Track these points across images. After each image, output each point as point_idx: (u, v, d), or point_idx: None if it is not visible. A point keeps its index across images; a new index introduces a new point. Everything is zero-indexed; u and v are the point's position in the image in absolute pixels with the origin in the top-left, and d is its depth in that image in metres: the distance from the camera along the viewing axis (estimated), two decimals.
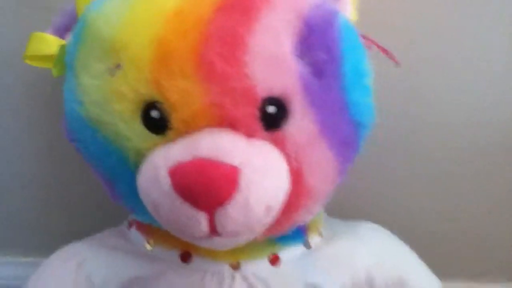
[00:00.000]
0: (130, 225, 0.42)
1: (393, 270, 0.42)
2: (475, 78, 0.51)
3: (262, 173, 0.30)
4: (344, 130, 0.34)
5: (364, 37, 0.37)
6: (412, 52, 0.50)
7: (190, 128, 0.31)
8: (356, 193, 0.54)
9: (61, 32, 0.38)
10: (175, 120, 0.31)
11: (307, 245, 0.40)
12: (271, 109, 0.32)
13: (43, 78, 0.43)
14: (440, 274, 0.45)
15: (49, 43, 0.37)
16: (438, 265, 0.44)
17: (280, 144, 0.32)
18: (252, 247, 0.37)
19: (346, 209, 0.48)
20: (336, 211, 0.45)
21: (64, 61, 0.36)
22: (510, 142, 0.53)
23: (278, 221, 0.33)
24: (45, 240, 0.49)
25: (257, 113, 0.31)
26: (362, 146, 0.37)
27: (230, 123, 0.31)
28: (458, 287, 0.57)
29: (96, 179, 0.37)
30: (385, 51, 0.38)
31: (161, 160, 0.30)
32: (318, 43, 0.33)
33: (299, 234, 0.40)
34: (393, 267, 0.42)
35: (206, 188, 0.29)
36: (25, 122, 0.54)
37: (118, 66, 0.32)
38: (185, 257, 0.38)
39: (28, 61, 0.38)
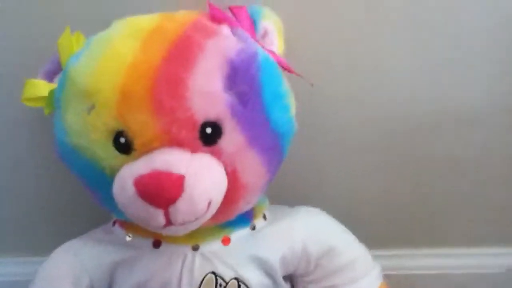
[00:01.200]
0: (114, 222, 0.50)
1: (324, 240, 0.49)
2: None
3: (202, 176, 0.38)
4: (267, 140, 0.42)
5: (284, 64, 0.45)
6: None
7: (148, 148, 0.39)
8: (294, 183, 0.61)
9: (50, 76, 0.47)
10: (137, 143, 0.39)
11: (252, 227, 0.48)
12: (208, 130, 0.39)
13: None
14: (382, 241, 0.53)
15: (40, 87, 0.45)
16: (368, 235, 0.52)
17: (217, 155, 0.40)
18: (206, 232, 0.46)
19: (289, 198, 0.55)
20: (279, 200, 0.53)
21: (52, 101, 0.44)
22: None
23: (222, 211, 0.41)
24: (49, 241, 0.54)
25: (197, 134, 0.39)
26: (287, 149, 0.46)
27: (177, 143, 0.39)
28: (392, 254, 0.64)
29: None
30: (298, 74, 0.46)
31: (127, 173, 0.38)
32: (241, 79, 0.40)
33: (246, 219, 0.48)
34: (325, 237, 0.49)
35: (161, 191, 0.36)
36: (27, 133, 0.59)
37: (92, 106, 0.40)
38: (156, 243, 0.46)
39: (25, 102, 0.46)
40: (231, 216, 0.46)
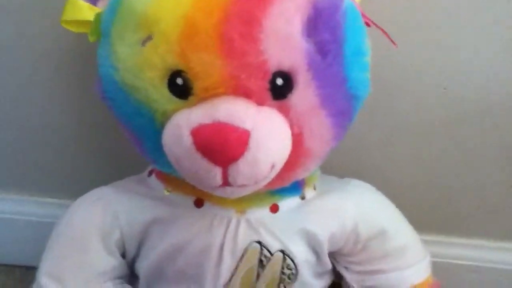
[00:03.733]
0: (150, 173, 0.46)
1: (376, 221, 0.46)
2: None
3: (268, 135, 0.34)
4: (341, 101, 0.38)
5: (365, 16, 0.40)
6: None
7: (210, 95, 0.35)
8: (349, 155, 0.58)
9: None
10: (197, 87, 0.35)
11: (303, 197, 0.45)
12: (279, 81, 0.35)
13: (79, 41, 0.45)
14: (419, 227, 0.49)
15: (83, 9, 0.40)
16: (417, 218, 0.49)
17: (285, 112, 0.36)
18: (256, 197, 0.42)
19: (338, 169, 0.52)
20: (330, 171, 0.50)
21: (99, 28, 0.39)
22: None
23: (280, 176, 0.38)
24: (77, 185, 0.52)
25: (267, 85, 0.35)
26: (356, 115, 0.41)
27: (244, 93, 0.35)
28: (432, 240, 0.61)
29: (124, 135, 0.41)
30: (383, 30, 0.41)
31: (184, 121, 0.34)
32: (324, 25, 0.36)
33: (297, 187, 0.45)
34: (376, 218, 0.46)
35: (222, 147, 0.33)
36: (62, 78, 0.57)
37: (149, 37, 0.35)
38: (198, 202, 0.43)
39: (64, 25, 0.40)
40: (287, 183, 0.41)
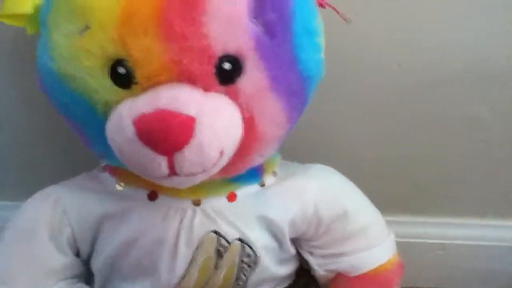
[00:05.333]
0: (103, 169, 0.45)
1: (338, 205, 0.45)
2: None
3: (215, 121, 0.33)
4: (292, 83, 0.37)
5: None
6: None
7: (153, 82, 0.33)
8: (308, 137, 0.57)
9: None
10: (139, 75, 0.33)
11: (262, 184, 0.44)
12: (226, 65, 0.34)
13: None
14: (383, 207, 0.48)
15: (23, 2, 0.38)
16: (381, 198, 0.48)
17: (234, 96, 0.35)
18: (211, 186, 0.41)
19: (299, 153, 0.51)
20: (290, 155, 0.49)
21: (37, 19, 0.37)
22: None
23: (233, 163, 0.37)
24: (23, 186, 0.51)
25: (213, 69, 0.34)
26: (311, 96, 0.40)
27: (188, 78, 0.33)
28: (397, 220, 0.60)
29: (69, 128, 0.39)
30: (334, 9, 0.40)
31: (126, 111, 0.33)
32: (271, 5, 0.35)
33: (255, 174, 0.44)
34: (337, 200, 0.46)
35: (166, 135, 0.32)
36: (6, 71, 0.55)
37: (86, 27, 0.34)
38: (152, 195, 0.42)
39: (3, 20, 0.38)
40: (241, 169, 0.40)
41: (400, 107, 0.58)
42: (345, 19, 0.42)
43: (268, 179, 0.45)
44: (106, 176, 0.44)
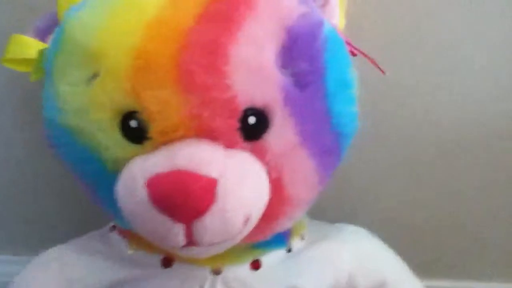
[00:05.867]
0: (112, 229, 0.41)
1: (375, 273, 0.42)
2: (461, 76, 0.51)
3: (240, 184, 0.30)
4: (326, 140, 0.34)
5: (349, 44, 0.36)
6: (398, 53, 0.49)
7: (169, 138, 0.30)
8: (339, 195, 0.53)
9: (42, 35, 0.37)
10: (153, 130, 0.30)
11: (289, 249, 0.40)
12: (251, 120, 0.31)
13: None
14: (424, 274, 0.44)
15: (29, 46, 0.36)
16: (421, 264, 0.44)
17: (260, 154, 0.31)
18: (233, 253, 0.36)
19: (328, 211, 0.47)
20: (319, 214, 0.44)
21: (42, 65, 0.35)
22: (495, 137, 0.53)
23: (259, 229, 0.33)
24: (34, 240, 0.49)
25: (237, 124, 0.30)
26: (345, 154, 0.36)
27: (209, 134, 0.30)
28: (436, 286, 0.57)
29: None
30: (371, 59, 0.37)
31: (138, 171, 0.30)
32: (301, 54, 0.32)
33: (281, 239, 0.40)
34: (376, 270, 0.42)
35: (184, 200, 0.28)
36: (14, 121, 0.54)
37: (96, 74, 0.31)
38: (166, 262, 0.38)
39: (6, 64, 0.37)
40: (267, 235, 0.36)
41: (434, 167, 0.54)
42: (382, 71, 0.38)
43: (296, 244, 0.41)
44: (115, 237, 0.41)
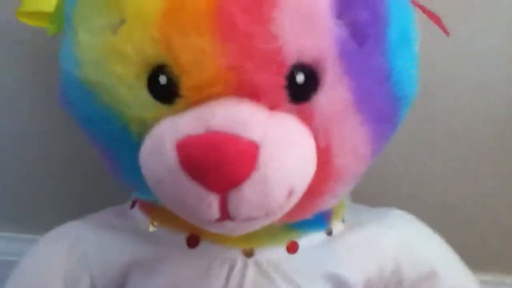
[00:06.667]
0: (133, 204, 0.39)
1: (424, 262, 0.39)
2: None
3: (285, 150, 0.27)
4: (382, 103, 0.31)
5: (412, 1, 0.33)
6: None
7: (203, 96, 0.27)
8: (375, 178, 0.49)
9: None
10: (185, 86, 0.27)
11: (329, 232, 0.37)
12: (300, 77, 0.28)
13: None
14: (472, 266, 0.41)
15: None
16: (469, 256, 0.41)
17: (307, 118, 0.28)
18: (268, 233, 0.34)
19: (368, 194, 0.43)
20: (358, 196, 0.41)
21: (61, 16, 0.32)
22: None
23: (300, 205, 0.30)
24: (46, 217, 0.47)
25: (283, 81, 0.27)
26: (400, 122, 0.33)
27: (250, 92, 0.27)
28: (489, 281, 0.54)
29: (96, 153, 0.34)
30: (436, 18, 0.34)
31: (167, 132, 0.27)
32: (361, 1, 0.29)
33: (322, 219, 0.37)
34: (424, 259, 0.39)
35: (220, 165, 0.25)
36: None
37: (121, 21, 0.28)
38: (192, 241, 0.35)
39: (21, 18, 0.34)
40: (309, 213, 0.33)
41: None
42: (447, 31, 0.35)
43: (337, 226, 0.38)
44: (136, 213, 0.38)
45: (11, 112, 0.54)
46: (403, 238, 0.39)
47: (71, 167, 0.56)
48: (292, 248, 0.36)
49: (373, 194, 0.47)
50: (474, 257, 0.42)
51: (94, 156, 0.35)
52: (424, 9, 0.34)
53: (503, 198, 0.53)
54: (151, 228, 0.36)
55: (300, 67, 0.27)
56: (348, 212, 0.40)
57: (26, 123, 0.55)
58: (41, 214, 0.57)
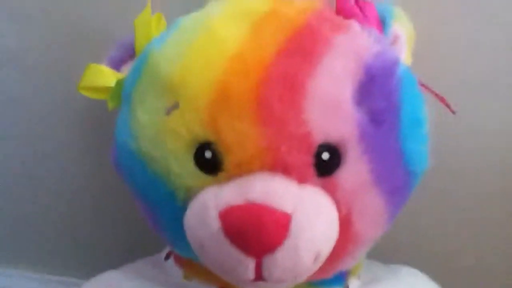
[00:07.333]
0: (167, 256, 0.41)
1: None
2: None
3: (313, 220, 0.30)
4: (397, 178, 0.34)
5: (421, 84, 0.36)
6: None
7: (243, 171, 0.30)
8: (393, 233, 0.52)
9: (116, 64, 0.38)
10: (229, 162, 0.30)
11: None
12: (325, 155, 0.31)
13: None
14: None
15: (105, 75, 0.37)
16: None
17: (331, 190, 0.31)
18: None
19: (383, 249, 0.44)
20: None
21: (120, 94, 0.36)
22: None
23: (323, 267, 0.32)
24: (82, 261, 0.50)
25: (311, 159, 0.30)
26: (412, 192, 0.36)
27: (284, 168, 0.30)
28: None
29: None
30: (442, 99, 0.37)
31: (212, 201, 0.30)
32: (378, 91, 0.32)
33: (340, 277, 0.39)
34: None
35: (257, 233, 0.28)
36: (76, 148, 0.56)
37: (175, 105, 0.32)
38: None
39: (82, 91, 0.38)
40: (330, 273, 0.36)
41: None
42: (452, 110, 0.38)
43: (353, 283, 0.40)
44: (170, 264, 0.41)
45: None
46: None
47: (110, 214, 0.57)
48: None
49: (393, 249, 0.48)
50: None
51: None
52: (431, 91, 0.37)
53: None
54: (184, 280, 0.38)
55: (326, 146, 0.31)
56: (363, 269, 0.41)
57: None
58: (79, 258, 0.59)
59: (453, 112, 0.38)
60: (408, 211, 0.50)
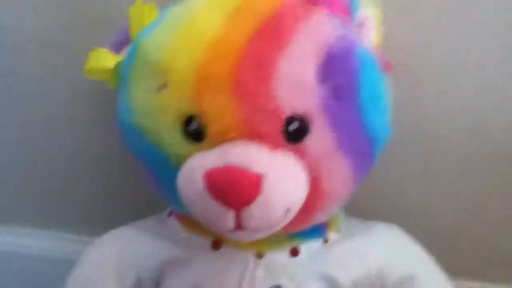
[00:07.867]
0: (169, 214, 0.46)
1: (404, 267, 0.44)
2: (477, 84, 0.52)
3: (282, 179, 0.34)
4: (359, 144, 0.38)
5: (383, 60, 0.39)
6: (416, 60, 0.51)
7: (223, 138, 0.35)
8: (371, 196, 0.55)
9: (117, 47, 0.43)
10: (211, 131, 0.35)
11: (325, 240, 0.44)
12: (293, 125, 0.35)
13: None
14: (452, 273, 0.46)
15: (106, 58, 0.41)
16: (449, 264, 0.45)
17: (300, 155, 0.35)
18: (274, 240, 0.41)
19: (362, 210, 0.49)
20: (353, 212, 0.48)
21: (118, 75, 0.40)
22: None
23: (298, 220, 0.37)
24: (98, 220, 0.54)
25: (281, 129, 0.35)
26: (378, 157, 0.40)
27: (257, 136, 0.34)
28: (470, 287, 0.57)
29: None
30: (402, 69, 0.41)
31: (197, 165, 0.35)
32: (339, 70, 0.36)
33: (319, 230, 0.43)
34: (404, 264, 0.44)
35: (234, 190, 0.33)
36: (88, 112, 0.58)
37: (164, 85, 0.36)
38: (215, 245, 0.42)
39: (87, 74, 0.42)
40: (305, 226, 0.41)
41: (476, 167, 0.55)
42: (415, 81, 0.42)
43: (332, 236, 0.44)
44: (172, 221, 0.45)
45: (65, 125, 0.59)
46: (386, 246, 0.44)
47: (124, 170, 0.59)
48: (294, 252, 0.42)
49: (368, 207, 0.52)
50: (453, 264, 0.46)
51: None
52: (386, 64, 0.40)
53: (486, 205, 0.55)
54: (183, 234, 0.43)
55: (294, 118, 0.35)
56: (343, 224, 0.45)
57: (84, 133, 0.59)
58: (90, 216, 0.63)
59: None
60: (391, 173, 0.54)
